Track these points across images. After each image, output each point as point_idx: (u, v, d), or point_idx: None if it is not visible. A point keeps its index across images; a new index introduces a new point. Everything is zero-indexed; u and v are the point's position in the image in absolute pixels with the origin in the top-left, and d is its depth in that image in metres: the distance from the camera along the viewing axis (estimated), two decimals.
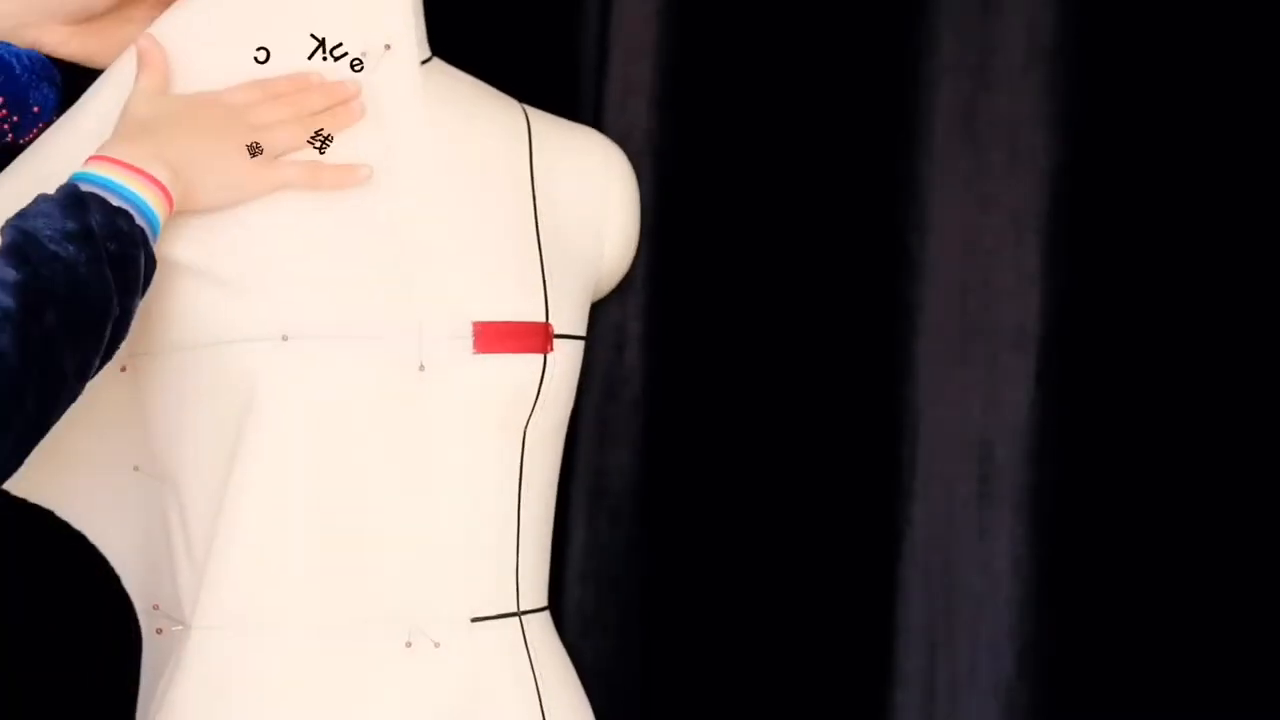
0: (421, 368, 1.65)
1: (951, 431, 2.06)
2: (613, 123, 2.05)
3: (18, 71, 1.69)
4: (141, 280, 1.54)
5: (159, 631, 1.74)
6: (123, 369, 1.71)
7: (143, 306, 1.58)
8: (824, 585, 2.09)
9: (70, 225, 1.49)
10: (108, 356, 1.53)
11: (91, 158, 1.57)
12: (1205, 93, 2.04)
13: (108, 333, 1.51)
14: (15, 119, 1.70)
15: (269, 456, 1.62)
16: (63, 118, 1.72)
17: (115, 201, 1.54)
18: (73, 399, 1.50)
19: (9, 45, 1.69)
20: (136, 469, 1.73)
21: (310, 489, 1.64)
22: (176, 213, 1.59)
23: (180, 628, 1.69)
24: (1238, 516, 2.04)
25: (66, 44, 1.72)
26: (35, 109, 1.71)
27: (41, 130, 1.71)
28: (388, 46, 1.74)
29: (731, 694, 2.10)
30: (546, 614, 1.81)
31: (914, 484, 2.06)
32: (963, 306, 2.06)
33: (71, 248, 1.48)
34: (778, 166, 2.09)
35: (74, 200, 1.51)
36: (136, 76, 1.66)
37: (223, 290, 1.62)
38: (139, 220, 1.54)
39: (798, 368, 2.09)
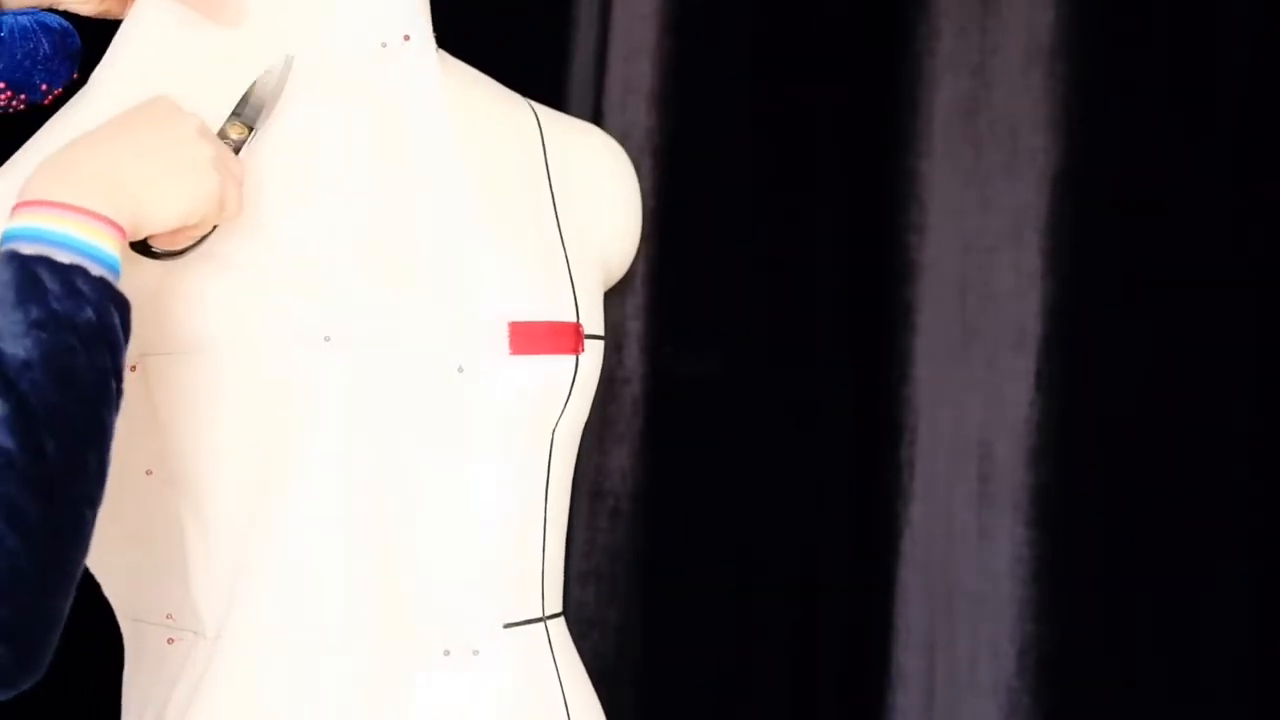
0: (460, 369, 1.53)
1: (951, 431, 1.98)
2: (613, 122, 1.97)
3: (19, 57, 1.55)
4: (122, 333, 1.31)
5: (170, 641, 1.60)
6: (132, 368, 1.56)
7: (159, 303, 1.44)
8: (824, 586, 2.00)
9: (34, 313, 1.25)
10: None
11: (19, 205, 1.31)
12: (1205, 92, 1.96)
13: (112, 411, 1.29)
14: (22, 97, 1.56)
15: (305, 461, 1.49)
16: (64, 108, 1.57)
17: (64, 258, 1.28)
18: (97, 511, 1.28)
19: (22, 16, 1.55)
20: (149, 473, 1.58)
21: (347, 494, 1.51)
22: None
23: (195, 637, 1.56)
24: (1238, 516, 1.96)
25: (86, 5, 1.57)
26: (43, 86, 1.57)
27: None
28: (407, 37, 1.62)
29: (731, 695, 2.01)
30: (563, 618, 1.70)
31: (914, 484, 1.98)
32: (962, 306, 1.98)
33: (43, 338, 1.25)
34: (777, 166, 2.01)
35: (24, 278, 1.26)
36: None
37: (262, 291, 1.49)
38: (95, 270, 1.29)
39: (798, 367, 2.00)
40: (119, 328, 1.31)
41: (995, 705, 1.97)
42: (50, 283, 1.27)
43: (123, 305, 1.32)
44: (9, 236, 1.30)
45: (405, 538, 1.53)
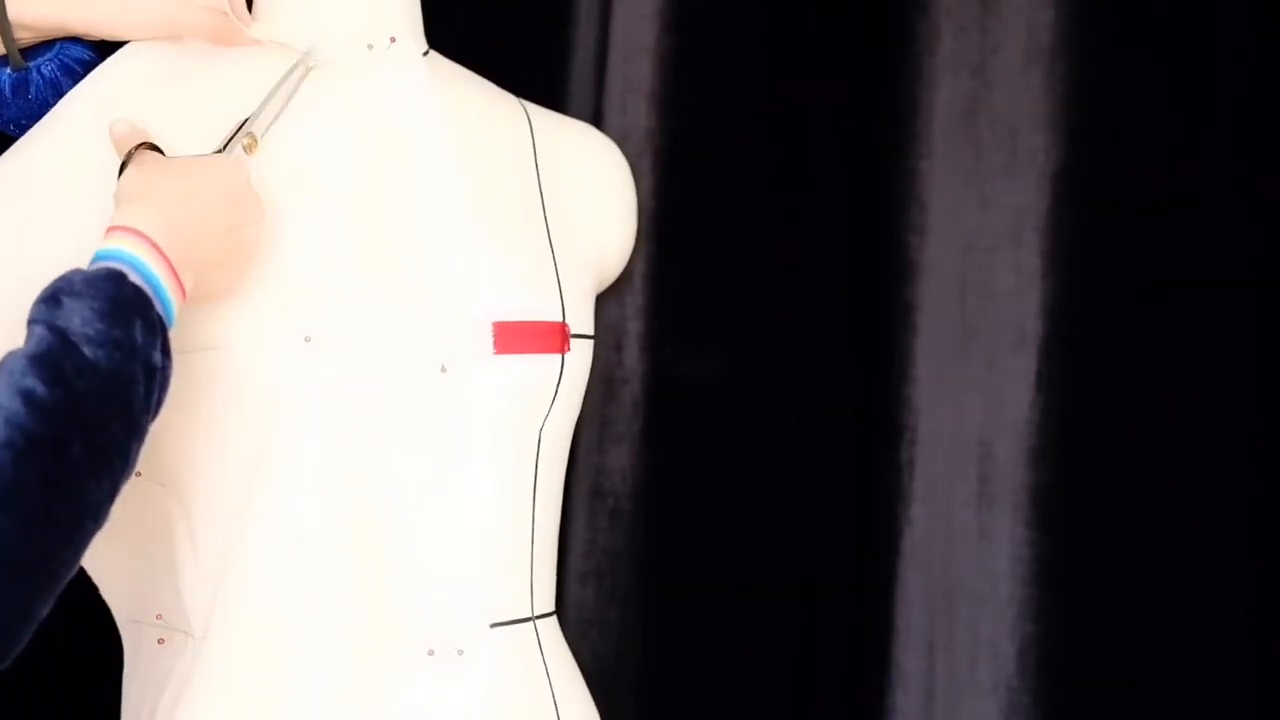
0: (443, 369, 1.52)
1: (951, 431, 1.95)
2: (613, 122, 1.94)
3: (31, 94, 1.55)
4: (168, 388, 1.36)
5: (160, 641, 1.59)
6: None
7: None
8: (824, 586, 1.97)
9: (118, 333, 1.29)
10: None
11: (133, 230, 1.35)
12: (1205, 91, 1.93)
13: (138, 447, 1.32)
14: None
15: (289, 460, 1.49)
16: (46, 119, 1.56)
17: (158, 308, 1.34)
18: (97, 529, 1.29)
19: (46, 66, 1.55)
20: (139, 474, 1.57)
21: (331, 494, 1.50)
22: None
23: (184, 636, 1.55)
24: (1238, 516, 1.93)
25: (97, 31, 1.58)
26: None
27: None
28: (393, 39, 1.61)
29: (730, 695, 1.99)
30: (555, 618, 1.69)
31: (914, 484, 1.95)
32: (962, 306, 1.95)
33: (117, 356, 1.28)
34: (777, 166, 1.97)
35: (124, 300, 1.30)
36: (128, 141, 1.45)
37: (243, 293, 1.48)
38: (170, 329, 1.36)
39: (798, 367, 1.97)
40: (169, 382, 1.36)
41: (995, 705, 1.94)
42: (142, 317, 1.31)
43: (172, 362, 1.36)
44: (117, 256, 1.34)
45: (390, 538, 1.52)
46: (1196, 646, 1.93)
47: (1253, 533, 1.92)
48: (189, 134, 1.49)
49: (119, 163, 1.45)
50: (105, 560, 1.62)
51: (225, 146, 1.48)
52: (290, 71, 1.53)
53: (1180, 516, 1.93)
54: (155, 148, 1.46)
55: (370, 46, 1.60)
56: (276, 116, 1.51)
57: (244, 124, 1.50)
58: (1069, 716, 1.94)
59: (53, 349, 1.26)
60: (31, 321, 1.29)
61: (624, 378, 1.96)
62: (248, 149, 1.49)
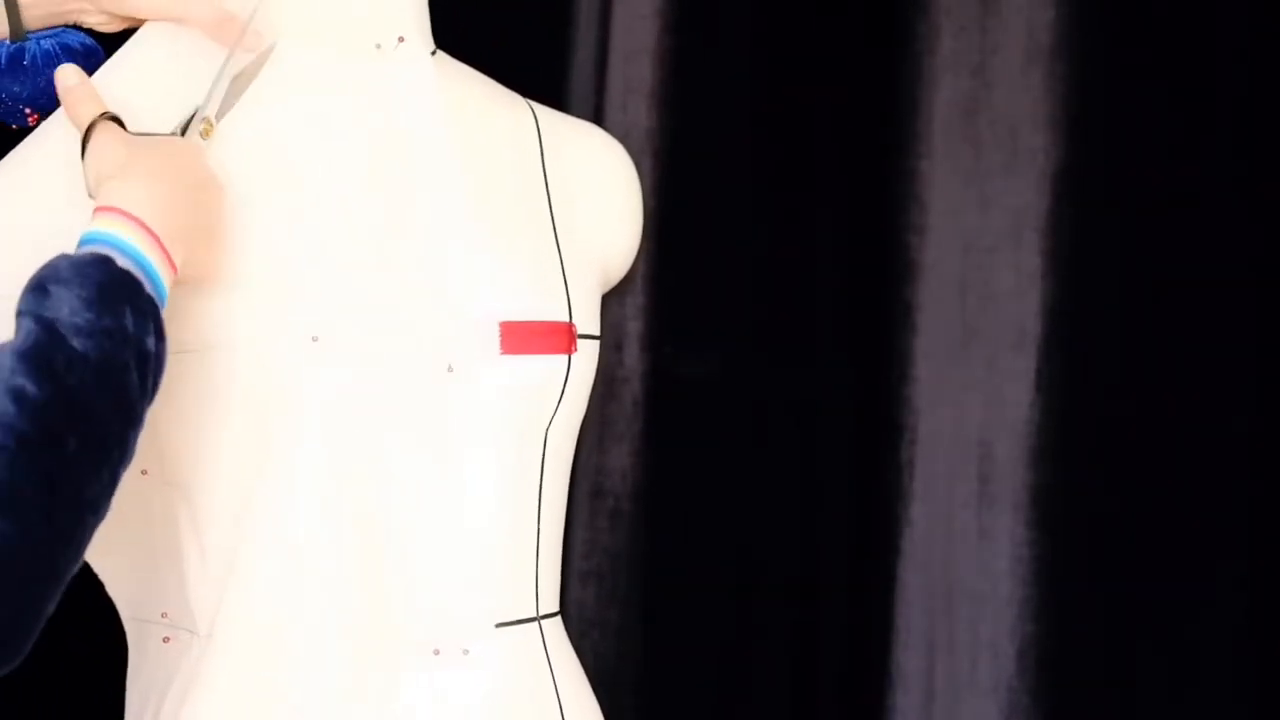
0: (450, 369, 1.52)
1: (951, 431, 1.95)
2: (613, 122, 1.94)
3: (43, 84, 1.55)
4: (163, 371, 1.34)
5: (165, 640, 1.59)
6: None
7: None
8: (824, 586, 1.97)
9: (106, 320, 1.27)
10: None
11: (113, 209, 1.33)
12: (1205, 91, 1.93)
13: (137, 434, 1.30)
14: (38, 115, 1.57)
15: (295, 460, 1.48)
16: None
17: (149, 290, 1.32)
18: (99, 522, 1.28)
19: (45, 40, 1.55)
20: (145, 473, 1.57)
21: (336, 494, 1.50)
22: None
23: (189, 635, 1.55)
24: (1238, 516, 1.93)
25: (109, 24, 1.58)
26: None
27: None
28: (401, 39, 1.61)
29: (731, 695, 1.99)
30: (559, 618, 1.69)
31: (914, 484, 1.95)
32: (962, 306, 1.95)
33: (107, 346, 1.26)
34: (777, 166, 1.98)
35: (110, 286, 1.28)
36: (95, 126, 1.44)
37: (249, 291, 1.48)
38: (162, 310, 1.34)
39: (798, 367, 1.97)
40: (164, 365, 1.34)
41: (995, 705, 1.94)
42: (132, 302, 1.30)
43: (166, 344, 1.35)
44: (104, 239, 1.33)
45: (395, 537, 1.52)
46: (1196, 646, 1.93)
47: (1253, 533, 1.93)
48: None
49: (80, 131, 1.44)
50: (112, 558, 1.62)
51: (184, 131, 1.48)
52: (229, 56, 1.52)
53: (1180, 516, 1.93)
54: (115, 118, 1.46)
55: (378, 46, 1.59)
56: (236, 99, 1.51)
57: (196, 111, 1.49)
58: (1069, 716, 1.94)
59: (41, 343, 1.25)
60: (19, 313, 1.27)
61: (624, 378, 1.96)
62: (204, 134, 1.48)
